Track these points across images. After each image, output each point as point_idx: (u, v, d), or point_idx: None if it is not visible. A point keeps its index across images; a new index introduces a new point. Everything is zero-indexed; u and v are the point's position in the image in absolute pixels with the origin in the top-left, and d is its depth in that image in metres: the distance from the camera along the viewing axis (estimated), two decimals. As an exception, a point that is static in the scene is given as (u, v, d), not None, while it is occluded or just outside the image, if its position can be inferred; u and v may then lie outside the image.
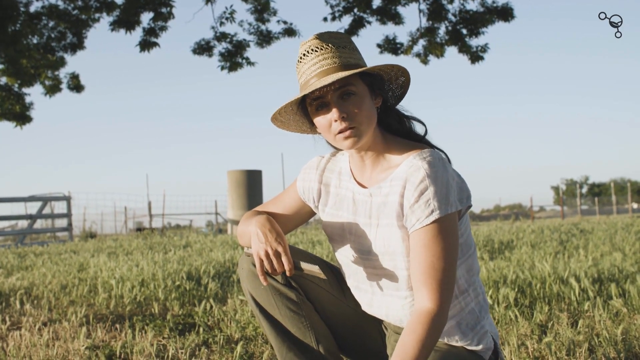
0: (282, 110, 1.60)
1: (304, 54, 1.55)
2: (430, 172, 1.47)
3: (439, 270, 1.44)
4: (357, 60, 1.55)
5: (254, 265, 1.71)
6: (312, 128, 1.67)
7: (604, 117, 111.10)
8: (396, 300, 1.59)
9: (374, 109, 1.56)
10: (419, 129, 1.66)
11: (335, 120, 1.51)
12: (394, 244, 1.54)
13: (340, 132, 1.51)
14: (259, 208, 1.82)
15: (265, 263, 1.55)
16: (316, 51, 1.53)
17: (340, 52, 1.53)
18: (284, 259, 1.55)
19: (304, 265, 1.60)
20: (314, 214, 1.81)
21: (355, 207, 1.64)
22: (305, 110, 1.60)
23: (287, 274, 1.55)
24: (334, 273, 1.80)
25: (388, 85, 1.63)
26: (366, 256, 1.62)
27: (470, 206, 1.55)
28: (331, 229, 1.71)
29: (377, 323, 1.78)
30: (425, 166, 1.48)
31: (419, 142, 1.62)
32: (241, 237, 1.75)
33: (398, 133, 1.64)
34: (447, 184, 1.47)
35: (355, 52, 1.57)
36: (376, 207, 1.58)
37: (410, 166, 1.50)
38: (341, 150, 1.74)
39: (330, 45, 1.53)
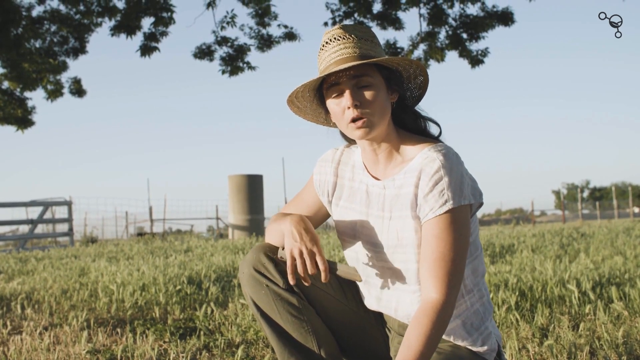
0: (300, 95, 1.60)
1: (326, 42, 1.56)
2: (446, 163, 1.48)
3: (448, 261, 1.44)
4: (378, 54, 1.56)
5: (261, 270, 1.69)
6: (328, 118, 1.66)
7: (605, 120, 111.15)
8: (406, 295, 1.59)
9: (389, 103, 1.57)
10: (434, 130, 1.66)
11: (349, 108, 1.51)
12: (407, 235, 1.54)
13: (353, 120, 1.52)
14: (282, 210, 1.81)
15: (298, 262, 1.53)
16: (338, 40, 1.54)
17: (362, 43, 1.54)
18: (318, 259, 1.53)
19: (340, 267, 1.58)
20: (328, 216, 1.81)
21: (368, 200, 1.64)
22: (322, 99, 1.61)
23: (323, 278, 1.52)
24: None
25: (407, 84, 1.64)
26: (377, 249, 1.61)
27: (481, 204, 1.55)
28: (343, 223, 1.71)
29: (380, 325, 1.78)
30: (441, 157, 1.49)
31: None
32: (269, 234, 1.73)
33: (412, 131, 1.64)
34: (461, 176, 1.48)
35: (377, 46, 1.58)
36: (389, 199, 1.59)
37: (425, 158, 1.51)
38: (354, 143, 1.75)
39: (352, 36, 1.55)
